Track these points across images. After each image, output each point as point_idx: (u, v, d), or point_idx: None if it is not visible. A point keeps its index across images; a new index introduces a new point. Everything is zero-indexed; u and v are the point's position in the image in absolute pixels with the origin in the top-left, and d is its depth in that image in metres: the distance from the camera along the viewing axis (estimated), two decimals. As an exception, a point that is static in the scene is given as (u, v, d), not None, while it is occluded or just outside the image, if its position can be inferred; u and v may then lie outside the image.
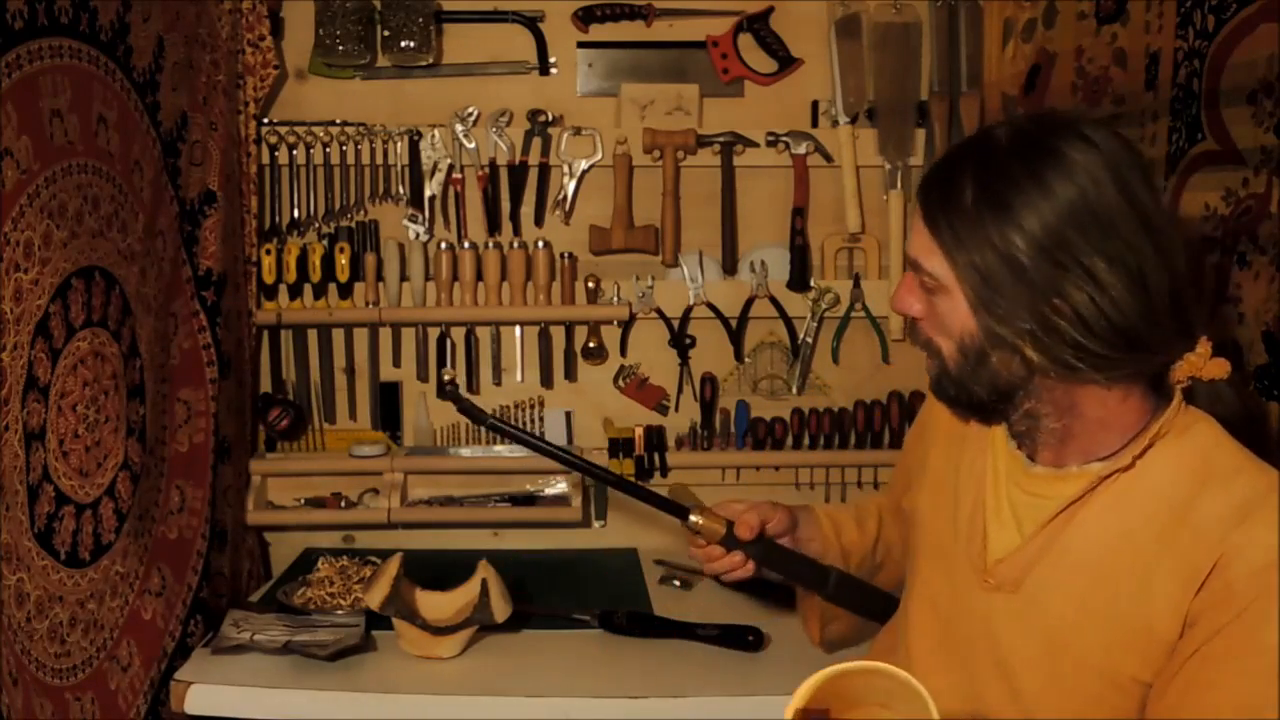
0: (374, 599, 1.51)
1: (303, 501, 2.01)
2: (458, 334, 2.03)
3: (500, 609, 1.54)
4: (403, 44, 1.93)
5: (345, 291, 1.97)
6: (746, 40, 2.04)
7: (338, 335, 2.03)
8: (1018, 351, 0.97)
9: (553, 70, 2.04)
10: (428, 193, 2.00)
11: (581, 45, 2.04)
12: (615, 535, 2.08)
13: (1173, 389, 1.00)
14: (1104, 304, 0.92)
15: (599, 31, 2.04)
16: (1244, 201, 1.23)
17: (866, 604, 1.35)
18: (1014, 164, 0.95)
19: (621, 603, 1.70)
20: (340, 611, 1.67)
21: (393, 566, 1.53)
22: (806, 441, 2.04)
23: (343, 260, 1.95)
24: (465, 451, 2.04)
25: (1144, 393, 1.00)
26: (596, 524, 2.07)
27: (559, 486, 2.04)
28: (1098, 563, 0.97)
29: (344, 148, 1.98)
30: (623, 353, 2.07)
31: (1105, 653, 0.96)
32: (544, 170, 2.02)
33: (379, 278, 1.98)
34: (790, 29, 2.04)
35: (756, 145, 2.00)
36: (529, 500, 2.02)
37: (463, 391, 2.03)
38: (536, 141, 2.00)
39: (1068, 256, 0.92)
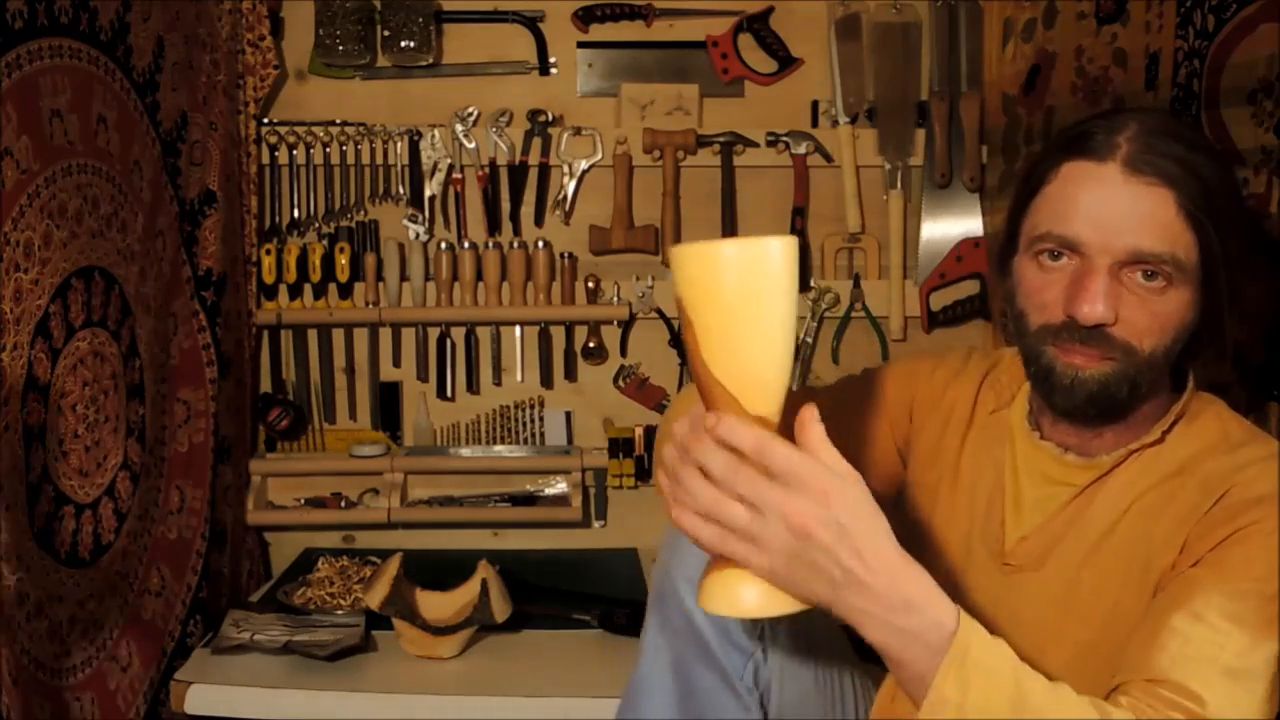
0: (374, 599, 1.51)
1: (303, 501, 2.01)
2: (458, 334, 2.03)
3: (500, 609, 1.54)
4: (403, 44, 1.93)
5: (345, 291, 1.97)
6: (746, 40, 2.04)
7: (338, 335, 2.04)
8: (1223, 340, 0.98)
9: (553, 70, 2.04)
10: (428, 193, 2.00)
11: (581, 45, 2.04)
12: (615, 535, 2.08)
13: (1185, 373, 1.03)
14: None
15: (599, 31, 2.04)
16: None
17: None
18: (1219, 153, 0.98)
19: (621, 603, 1.70)
20: (340, 611, 1.67)
21: (393, 566, 1.53)
22: (806, 441, 2.03)
23: (343, 260, 1.95)
24: (465, 451, 2.04)
25: (1171, 375, 1.03)
26: (596, 524, 2.07)
27: (559, 486, 2.04)
28: (1115, 530, 1.00)
29: (344, 148, 1.98)
30: (623, 353, 2.07)
31: (1110, 617, 0.98)
32: (544, 170, 2.02)
33: (379, 278, 1.98)
34: (790, 29, 2.04)
35: (756, 145, 2.00)
36: (529, 500, 2.02)
37: (463, 391, 2.04)
38: (536, 141, 2.00)
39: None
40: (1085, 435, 1.03)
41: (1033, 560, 1.04)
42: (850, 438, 1.22)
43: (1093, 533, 1.01)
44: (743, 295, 0.77)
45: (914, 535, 1.17)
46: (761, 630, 1.09)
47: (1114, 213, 0.93)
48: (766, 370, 0.79)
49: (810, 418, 0.79)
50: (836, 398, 1.28)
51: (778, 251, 0.79)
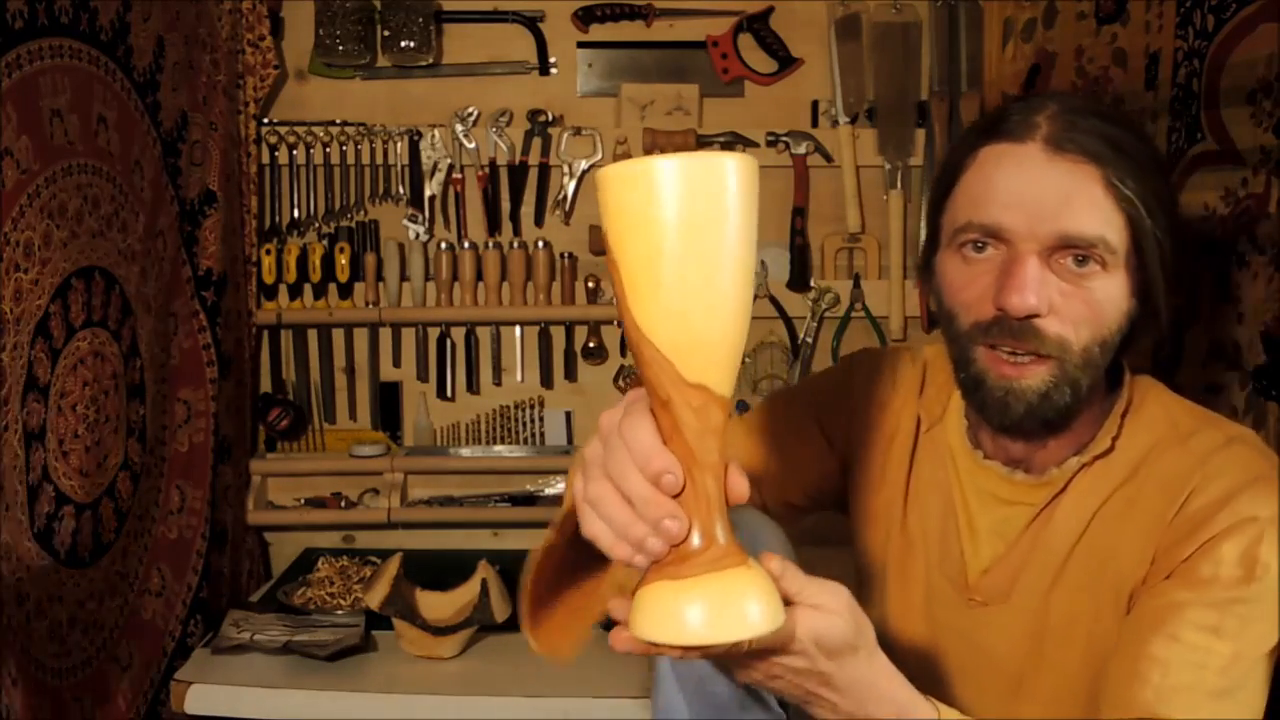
0: (374, 599, 1.51)
1: (303, 501, 2.01)
2: (458, 334, 2.03)
3: (500, 609, 1.54)
4: (403, 44, 1.93)
5: (345, 291, 1.97)
6: (746, 40, 2.04)
7: (338, 335, 2.03)
8: (1160, 324, 0.91)
9: (553, 70, 2.04)
10: (428, 193, 2.00)
11: (581, 45, 2.04)
12: (615, 535, 2.07)
13: (1120, 365, 0.97)
14: None
15: (599, 31, 2.04)
16: (1243, 201, 1.23)
17: None
18: (1143, 130, 0.92)
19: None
20: (340, 611, 1.67)
21: (393, 566, 1.53)
22: (806, 441, 2.03)
23: (343, 260, 1.95)
24: (465, 451, 2.04)
25: (1106, 371, 0.96)
26: (596, 524, 2.07)
27: (559, 487, 2.04)
28: (1078, 549, 0.94)
29: (344, 148, 1.98)
30: (623, 353, 2.07)
31: (1089, 639, 0.94)
32: (544, 170, 2.02)
33: (379, 278, 1.98)
34: (790, 29, 2.03)
35: (756, 145, 2.00)
36: (529, 500, 2.02)
37: (463, 391, 2.04)
38: (536, 141, 2.00)
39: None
40: (1030, 448, 0.96)
41: (998, 594, 0.98)
42: (789, 460, 1.14)
43: (1055, 556, 0.95)
44: (681, 228, 0.61)
45: (873, 573, 1.10)
46: None
47: (1038, 194, 0.86)
48: (711, 328, 0.63)
49: (780, 574, 0.70)
50: (770, 416, 1.20)
51: (730, 171, 0.61)
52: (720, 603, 0.64)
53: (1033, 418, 0.90)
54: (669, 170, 0.61)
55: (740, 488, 0.68)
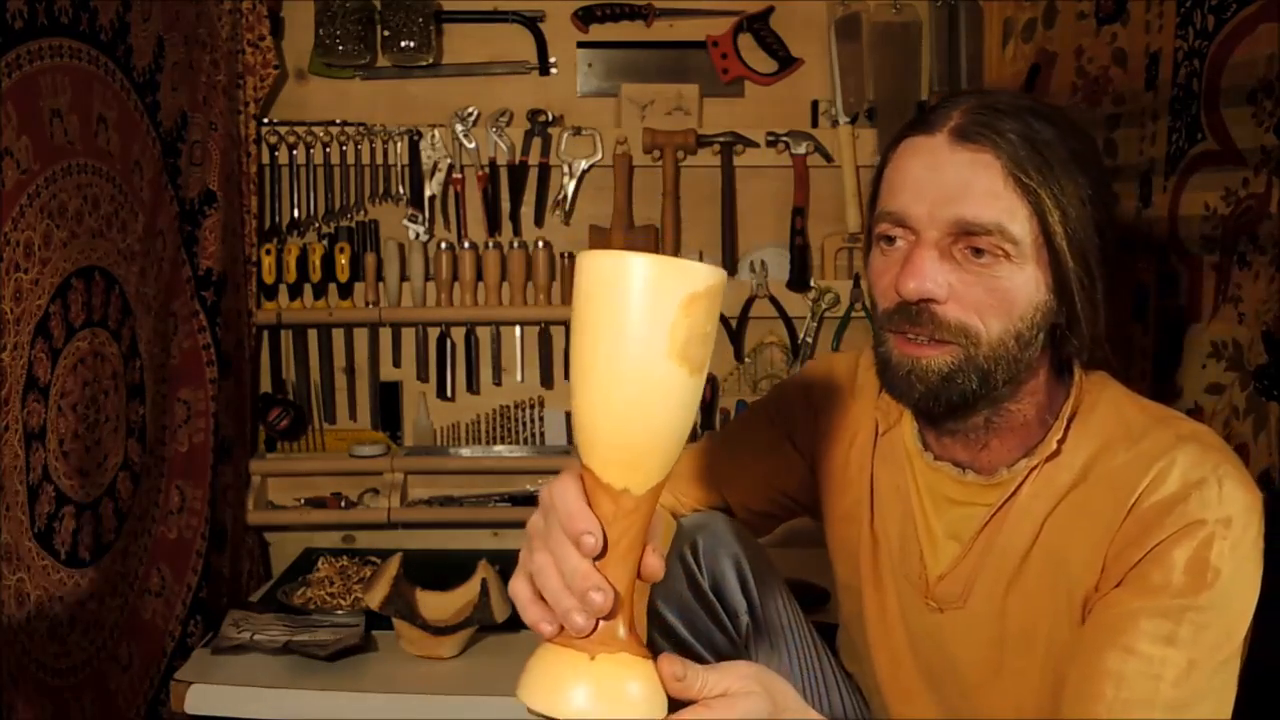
0: (374, 599, 1.51)
1: (303, 501, 2.01)
2: (458, 334, 2.03)
3: (500, 609, 1.54)
4: (403, 44, 1.93)
5: (345, 291, 1.97)
6: (746, 40, 2.04)
7: (338, 335, 2.03)
8: (1084, 322, 0.89)
9: (553, 70, 2.04)
10: (428, 193, 2.00)
11: (581, 45, 2.04)
12: (615, 535, 2.07)
13: (1070, 361, 0.95)
14: None
15: (599, 31, 2.04)
16: (1244, 201, 1.23)
17: None
18: (1075, 127, 0.91)
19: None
20: (340, 611, 1.67)
21: (393, 566, 1.53)
22: (806, 441, 2.03)
23: (343, 260, 1.95)
24: (465, 451, 2.04)
25: (1053, 372, 0.95)
26: (596, 524, 2.06)
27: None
28: (1031, 554, 0.93)
29: (344, 148, 1.98)
30: (623, 353, 2.07)
31: (1048, 645, 0.93)
32: (544, 170, 2.02)
33: (379, 278, 1.98)
34: (790, 29, 2.04)
35: (756, 145, 2.00)
36: (529, 500, 2.02)
37: (463, 391, 2.03)
38: (536, 141, 2.00)
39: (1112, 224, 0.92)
40: (972, 448, 0.96)
41: (954, 599, 0.98)
42: (754, 471, 1.15)
43: (1009, 561, 0.94)
44: (575, 319, 0.66)
45: (848, 577, 1.10)
46: (745, 638, 1.06)
47: (938, 182, 0.87)
48: (588, 417, 0.67)
49: (675, 678, 0.70)
50: (737, 428, 1.21)
51: (620, 274, 0.64)
52: (608, 680, 0.67)
53: (935, 399, 0.90)
54: (582, 263, 0.66)
55: (649, 567, 0.71)
